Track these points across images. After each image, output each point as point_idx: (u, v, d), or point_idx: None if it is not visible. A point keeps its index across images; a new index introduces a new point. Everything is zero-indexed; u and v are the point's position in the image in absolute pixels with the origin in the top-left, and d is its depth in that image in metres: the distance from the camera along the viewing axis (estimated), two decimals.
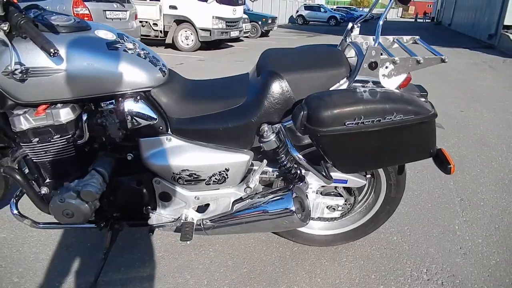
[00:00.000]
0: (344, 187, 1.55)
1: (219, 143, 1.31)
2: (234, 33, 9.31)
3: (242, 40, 11.73)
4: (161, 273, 1.55)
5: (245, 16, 10.58)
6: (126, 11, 6.71)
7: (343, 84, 1.29)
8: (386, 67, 1.24)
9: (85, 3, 5.75)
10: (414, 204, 2.14)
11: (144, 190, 1.37)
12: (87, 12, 5.74)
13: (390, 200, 1.55)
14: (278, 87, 1.25)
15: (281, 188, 1.45)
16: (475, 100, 4.73)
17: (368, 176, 1.58)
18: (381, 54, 1.22)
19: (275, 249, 1.71)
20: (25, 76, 1.09)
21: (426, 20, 39.25)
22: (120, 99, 1.23)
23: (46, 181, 1.31)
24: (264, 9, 20.00)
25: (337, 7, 36.38)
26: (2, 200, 1.71)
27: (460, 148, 3.08)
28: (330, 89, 1.28)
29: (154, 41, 8.76)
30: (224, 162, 1.31)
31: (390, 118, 1.12)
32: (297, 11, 24.94)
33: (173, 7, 8.35)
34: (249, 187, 1.38)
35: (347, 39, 1.47)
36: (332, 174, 1.40)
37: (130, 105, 1.23)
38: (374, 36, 1.27)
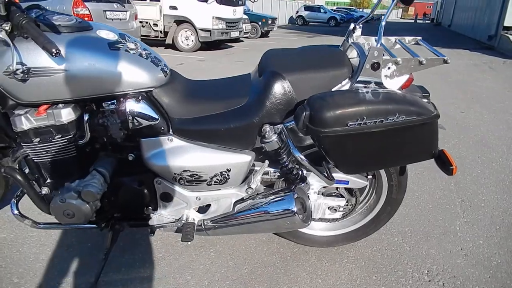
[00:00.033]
0: (345, 188, 1.55)
1: (220, 144, 1.31)
2: (234, 34, 9.31)
3: (242, 41, 11.74)
4: (162, 273, 1.54)
5: (245, 16, 10.58)
6: (126, 11, 6.72)
7: (345, 85, 1.28)
8: (389, 68, 1.24)
9: (85, 3, 5.76)
10: (415, 205, 2.14)
11: (145, 191, 1.37)
12: (87, 12, 5.75)
13: (392, 201, 1.55)
14: (280, 88, 1.25)
15: (283, 188, 1.44)
16: (475, 101, 4.73)
17: (370, 177, 1.58)
18: (384, 55, 1.22)
19: (276, 250, 1.71)
20: (26, 76, 1.09)
21: (426, 21, 39.37)
22: (122, 99, 1.22)
23: (47, 181, 1.31)
24: (264, 9, 20.00)
25: (337, 8, 36.43)
26: (3, 200, 1.70)
27: (460, 149, 3.08)
28: (332, 89, 1.28)
29: (154, 42, 8.75)
30: (225, 163, 1.31)
31: (393, 119, 1.12)
32: (297, 12, 24.98)
33: (173, 8, 8.35)
34: (250, 187, 1.37)
35: (349, 40, 1.47)
36: (333, 174, 1.40)
37: (131, 105, 1.23)
38: (376, 37, 1.27)
